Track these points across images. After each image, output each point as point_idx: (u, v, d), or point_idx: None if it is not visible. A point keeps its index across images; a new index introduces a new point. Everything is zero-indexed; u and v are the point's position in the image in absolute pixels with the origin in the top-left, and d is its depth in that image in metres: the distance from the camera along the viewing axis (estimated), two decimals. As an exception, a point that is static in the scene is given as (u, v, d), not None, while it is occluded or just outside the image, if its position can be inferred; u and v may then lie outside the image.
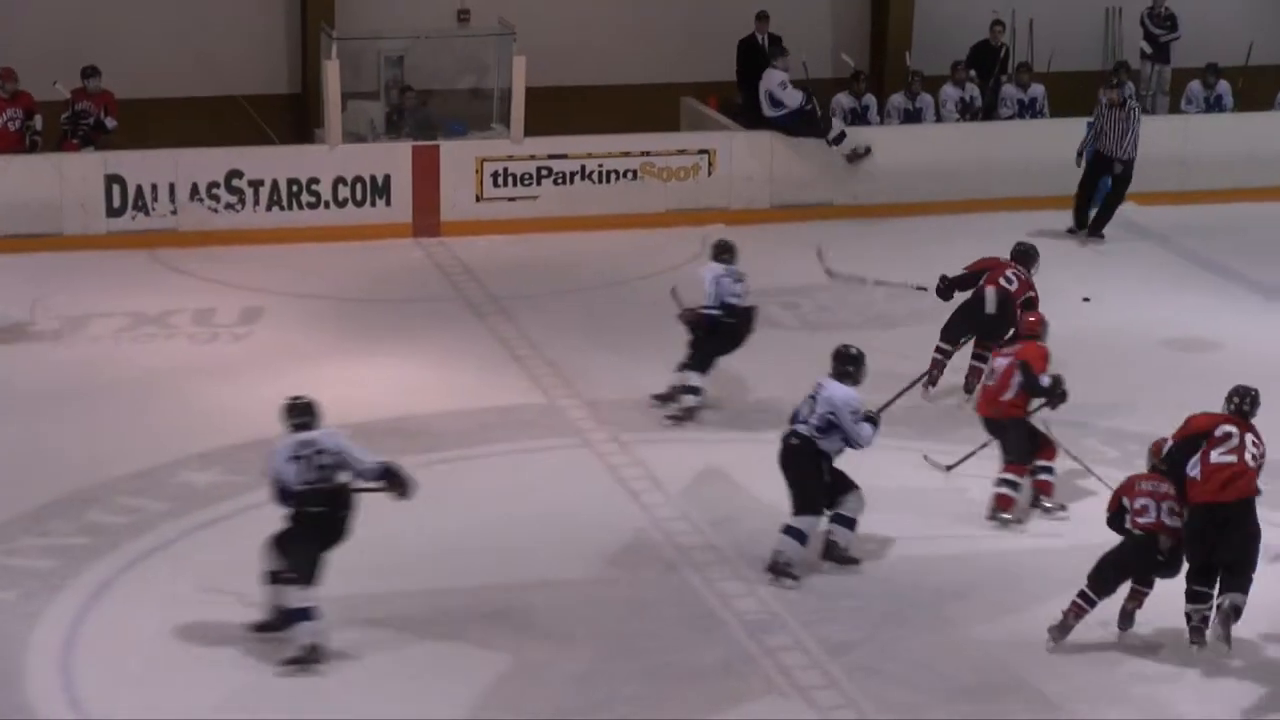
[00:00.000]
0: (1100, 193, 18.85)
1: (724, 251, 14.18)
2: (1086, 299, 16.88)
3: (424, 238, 18.30)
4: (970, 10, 21.26)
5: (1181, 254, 18.56)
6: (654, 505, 12.63)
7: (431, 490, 11.16)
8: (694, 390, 14.00)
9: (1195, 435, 10.83)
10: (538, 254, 18.03)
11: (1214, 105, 20.77)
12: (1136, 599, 11.03)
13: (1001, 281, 14.20)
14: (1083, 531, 11.87)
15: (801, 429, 11.63)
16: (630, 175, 18.95)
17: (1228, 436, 10.74)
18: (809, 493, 11.61)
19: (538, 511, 12.47)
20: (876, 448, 11.81)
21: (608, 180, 18.87)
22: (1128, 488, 11.00)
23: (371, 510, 10.53)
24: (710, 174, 19.12)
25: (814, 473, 11.60)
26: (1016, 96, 20.37)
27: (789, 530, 11.57)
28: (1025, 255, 14.48)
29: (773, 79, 19.20)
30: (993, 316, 14.11)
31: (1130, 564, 10.89)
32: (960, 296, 14.52)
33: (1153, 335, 16.09)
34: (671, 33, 21.26)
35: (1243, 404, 10.94)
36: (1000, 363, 12.70)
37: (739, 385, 14.59)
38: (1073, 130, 19.11)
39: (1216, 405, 10.94)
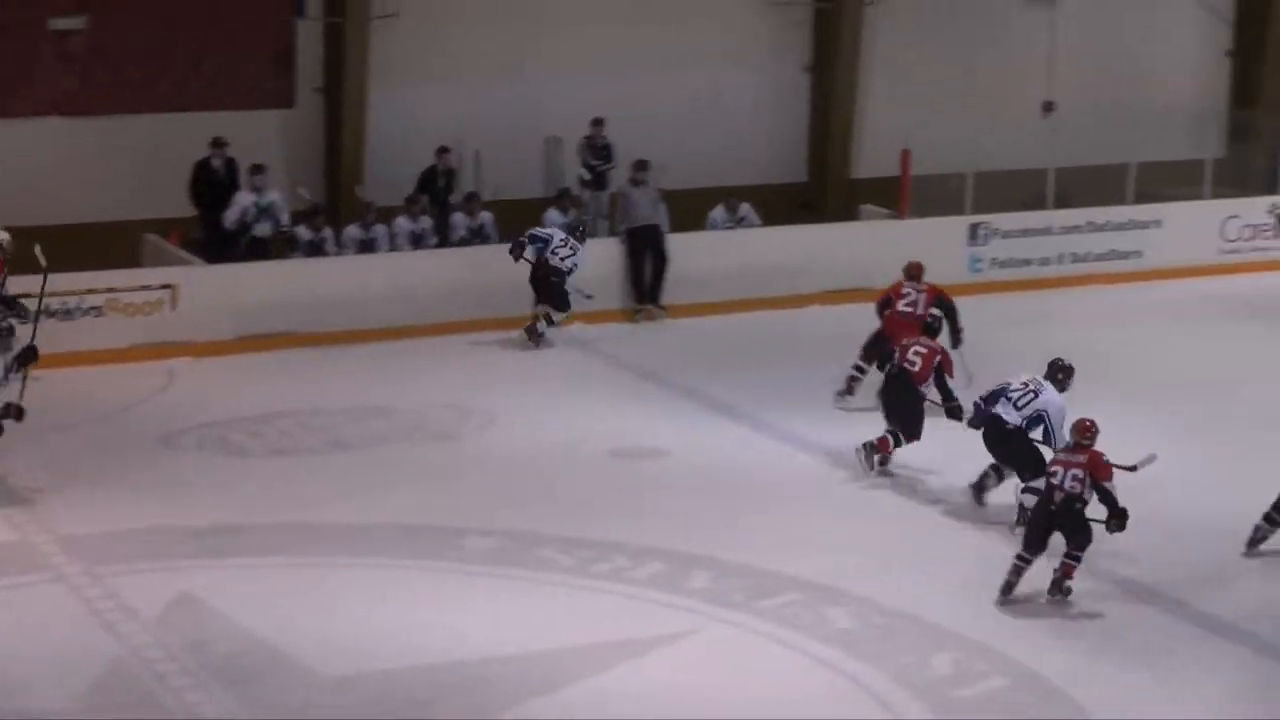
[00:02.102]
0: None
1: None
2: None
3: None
4: (419, 141, 22.19)
5: (628, 367, 19.79)
6: (129, 634, 12.88)
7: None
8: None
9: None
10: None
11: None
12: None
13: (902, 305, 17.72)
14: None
15: (1013, 420, 14.48)
16: (94, 312, 19.23)
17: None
18: (1034, 457, 14.33)
19: (14, 647, 12.62)
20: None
21: (72, 317, 19.11)
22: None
23: None
24: (174, 308, 19.55)
25: (1031, 445, 14.42)
26: (466, 224, 21.50)
27: (1030, 489, 14.18)
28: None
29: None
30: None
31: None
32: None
33: (600, 447, 17.03)
34: (130, 169, 21.60)
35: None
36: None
37: (202, 509, 15.08)
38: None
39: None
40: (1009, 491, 14.84)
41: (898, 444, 15.96)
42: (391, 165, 22.22)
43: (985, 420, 14.73)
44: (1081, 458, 13.26)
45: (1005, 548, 13.99)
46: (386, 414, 17.69)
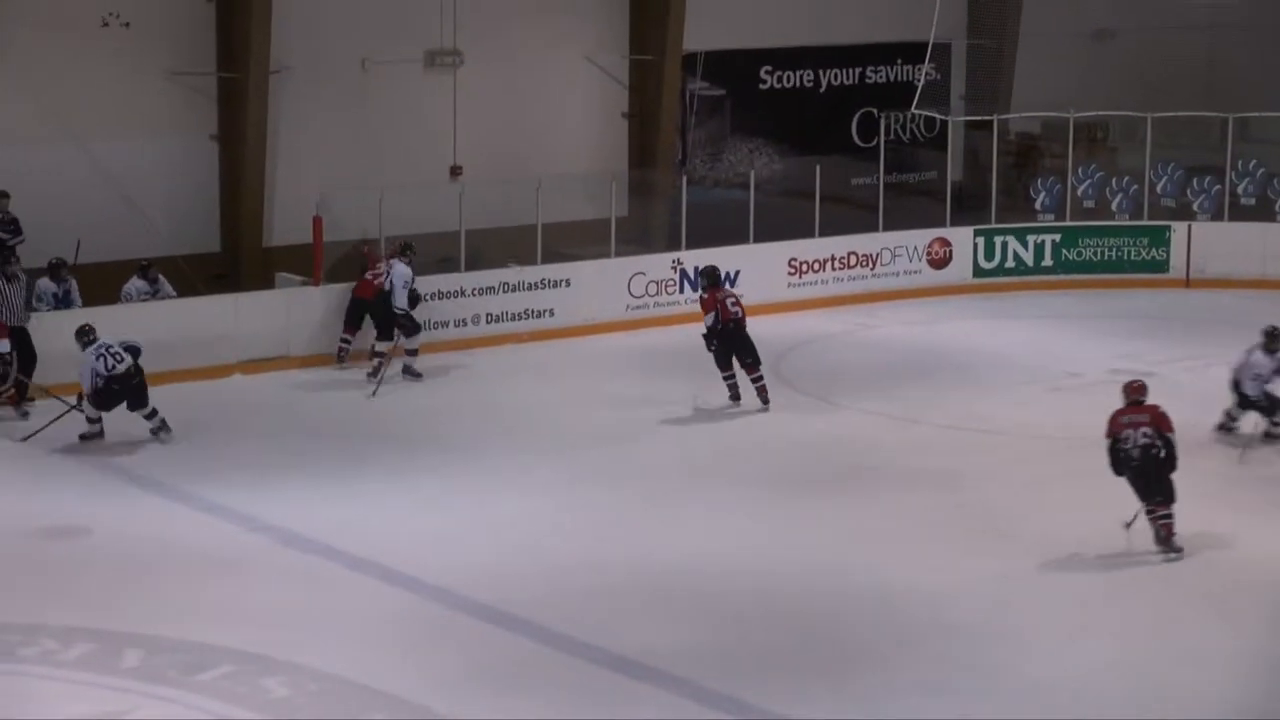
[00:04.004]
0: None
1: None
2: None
3: None
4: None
5: (40, 445, 19.36)
6: None
7: None
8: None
9: None
10: None
11: (63, 301, 21.70)
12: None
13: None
14: None
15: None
16: None
17: None
18: None
19: None
20: None
21: None
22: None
23: None
24: None
25: None
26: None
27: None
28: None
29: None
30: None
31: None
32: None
33: (20, 526, 16.64)
34: None
35: None
36: None
37: None
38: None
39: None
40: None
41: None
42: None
43: None
44: (1145, 415, 15.84)
45: (437, 608, 14.37)
46: None
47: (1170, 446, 15.92)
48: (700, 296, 21.70)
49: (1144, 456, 15.87)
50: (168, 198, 24.56)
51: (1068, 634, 14.34)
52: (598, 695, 13.22)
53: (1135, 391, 16.26)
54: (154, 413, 19.24)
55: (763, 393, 20.83)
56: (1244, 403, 19.43)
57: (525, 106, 27.33)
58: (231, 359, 21.92)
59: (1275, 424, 19.36)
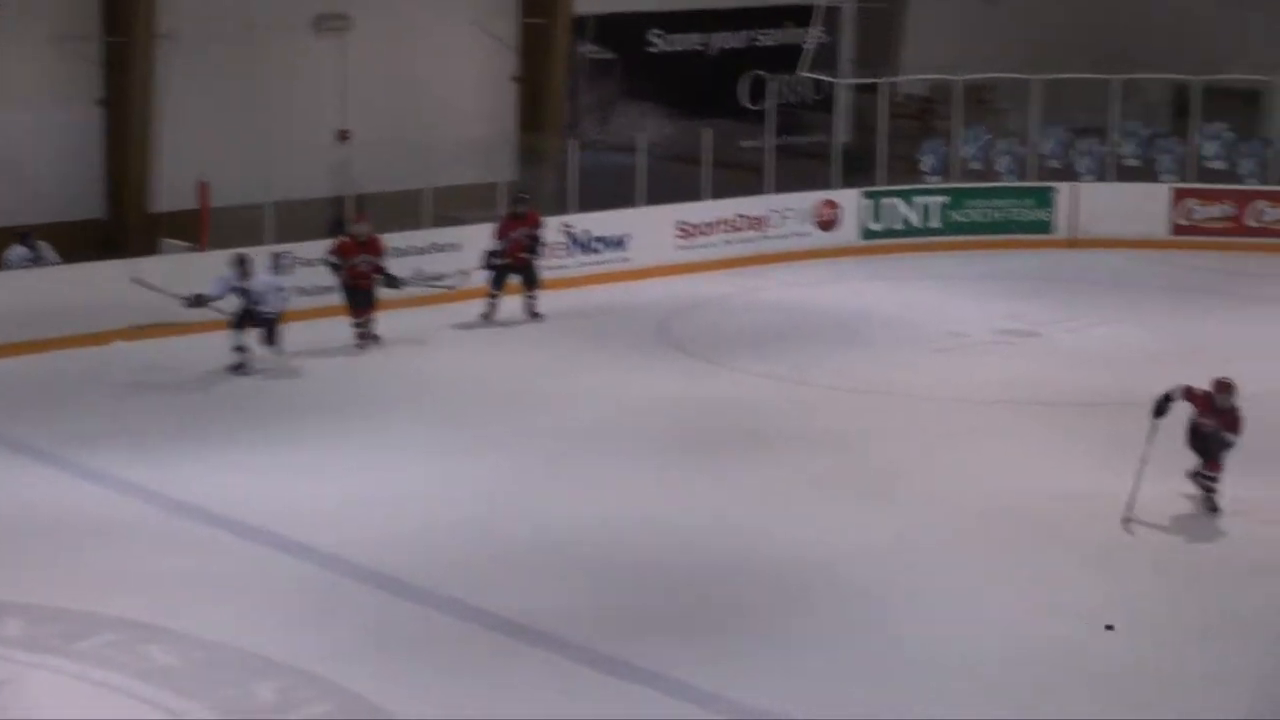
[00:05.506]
0: None
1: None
2: None
3: None
4: None
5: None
6: None
7: None
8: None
9: None
10: None
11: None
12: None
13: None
14: None
15: None
16: None
17: None
18: None
19: None
20: None
21: None
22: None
23: None
24: None
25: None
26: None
27: None
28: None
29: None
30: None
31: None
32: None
33: None
34: None
35: None
36: None
37: None
38: None
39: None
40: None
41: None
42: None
43: None
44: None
45: (329, 575, 14.32)
46: None
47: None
48: (504, 216, 23.16)
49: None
50: (52, 164, 24.26)
51: (956, 593, 14.47)
52: (489, 659, 13.22)
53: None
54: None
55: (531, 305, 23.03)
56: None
57: (414, 70, 27.21)
58: (115, 326, 21.72)
59: None
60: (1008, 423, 19.11)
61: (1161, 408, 16.23)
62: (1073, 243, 28.34)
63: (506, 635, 13.56)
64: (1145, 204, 28.58)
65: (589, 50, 29.19)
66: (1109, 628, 13.70)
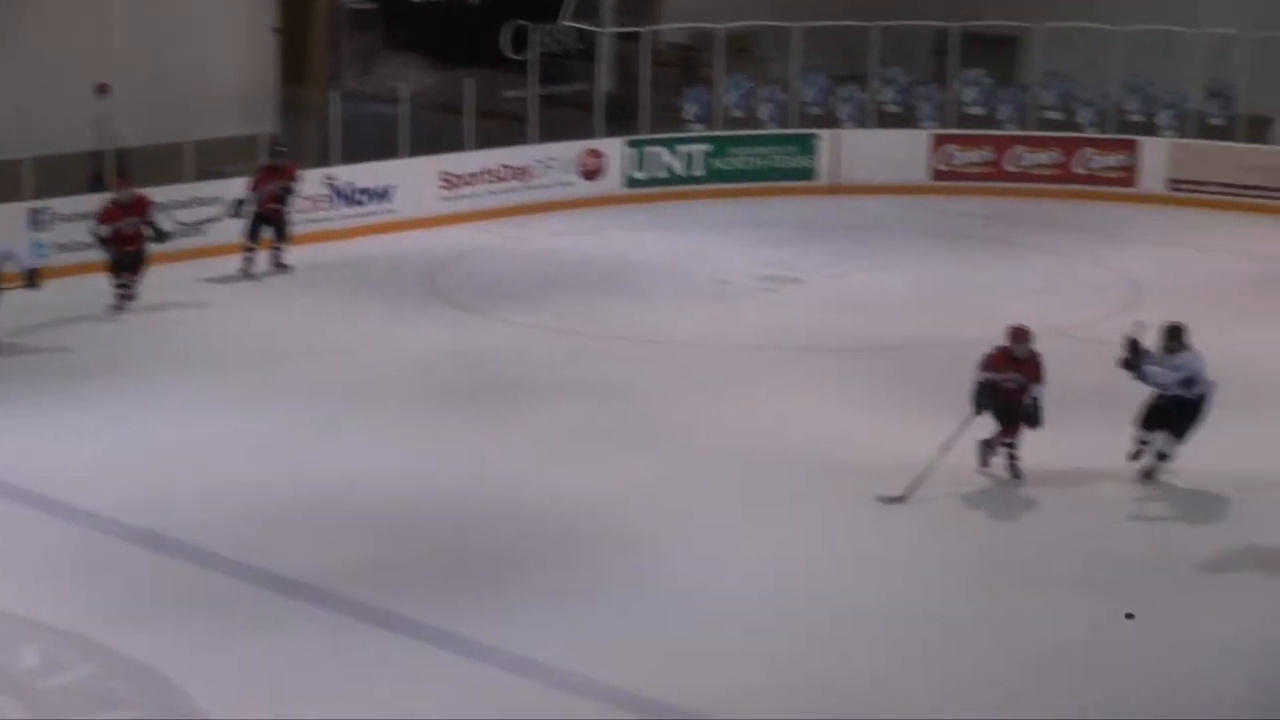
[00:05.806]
0: None
1: None
2: None
3: None
4: None
5: None
6: None
7: None
8: None
9: None
10: None
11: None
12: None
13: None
14: None
15: None
16: None
17: None
18: None
19: None
20: None
21: None
22: None
23: None
24: None
25: None
26: None
27: None
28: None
29: None
30: None
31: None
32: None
33: None
34: None
35: None
36: None
37: None
38: None
39: None
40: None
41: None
42: None
43: None
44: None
45: (97, 536, 14.26)
46: None
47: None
48: (261, 168, 23.26)
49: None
50: None
51: (725, 541, 14.72)
52: (259, 616, 13.21)
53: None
54: None
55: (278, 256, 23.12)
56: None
57: (173, 22, 26.80)
58: None
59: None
60: (771, 368, 19.46)
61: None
62: (835, 189, 28.83)
63: (277, 592, 13.57)
64: (906, 150, 29.15)
65: (350, 0, 29.01)
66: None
